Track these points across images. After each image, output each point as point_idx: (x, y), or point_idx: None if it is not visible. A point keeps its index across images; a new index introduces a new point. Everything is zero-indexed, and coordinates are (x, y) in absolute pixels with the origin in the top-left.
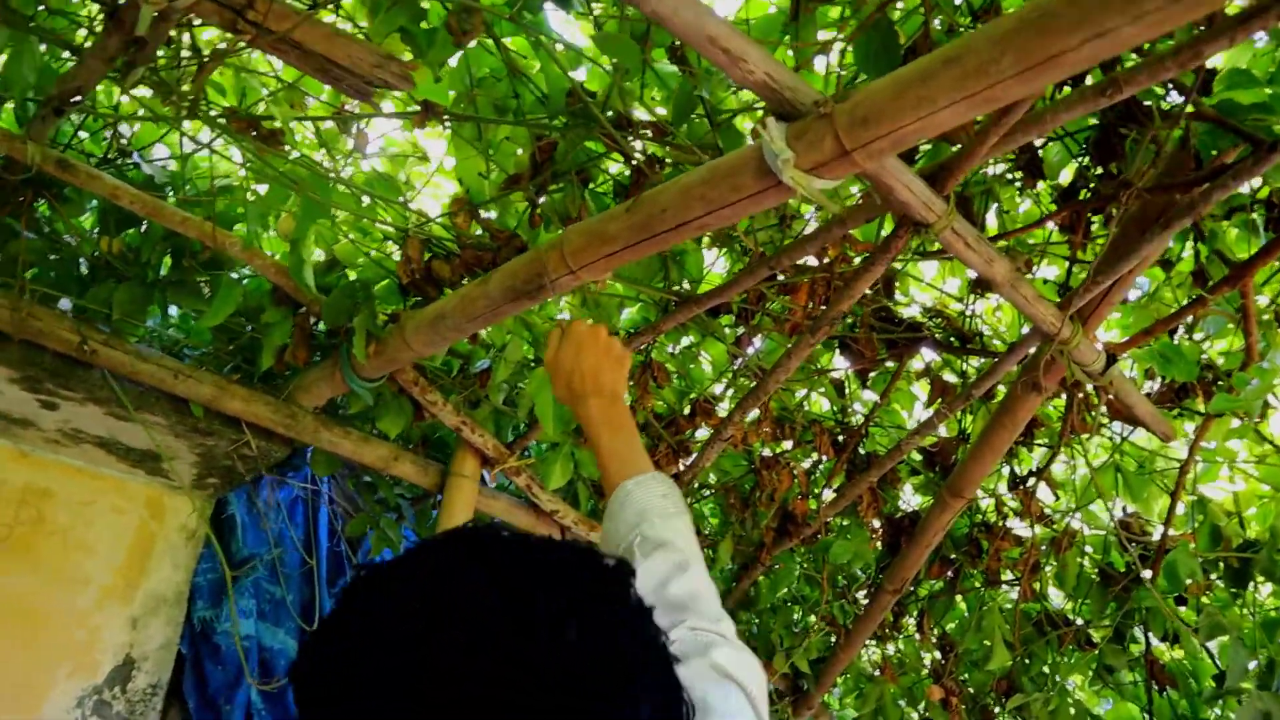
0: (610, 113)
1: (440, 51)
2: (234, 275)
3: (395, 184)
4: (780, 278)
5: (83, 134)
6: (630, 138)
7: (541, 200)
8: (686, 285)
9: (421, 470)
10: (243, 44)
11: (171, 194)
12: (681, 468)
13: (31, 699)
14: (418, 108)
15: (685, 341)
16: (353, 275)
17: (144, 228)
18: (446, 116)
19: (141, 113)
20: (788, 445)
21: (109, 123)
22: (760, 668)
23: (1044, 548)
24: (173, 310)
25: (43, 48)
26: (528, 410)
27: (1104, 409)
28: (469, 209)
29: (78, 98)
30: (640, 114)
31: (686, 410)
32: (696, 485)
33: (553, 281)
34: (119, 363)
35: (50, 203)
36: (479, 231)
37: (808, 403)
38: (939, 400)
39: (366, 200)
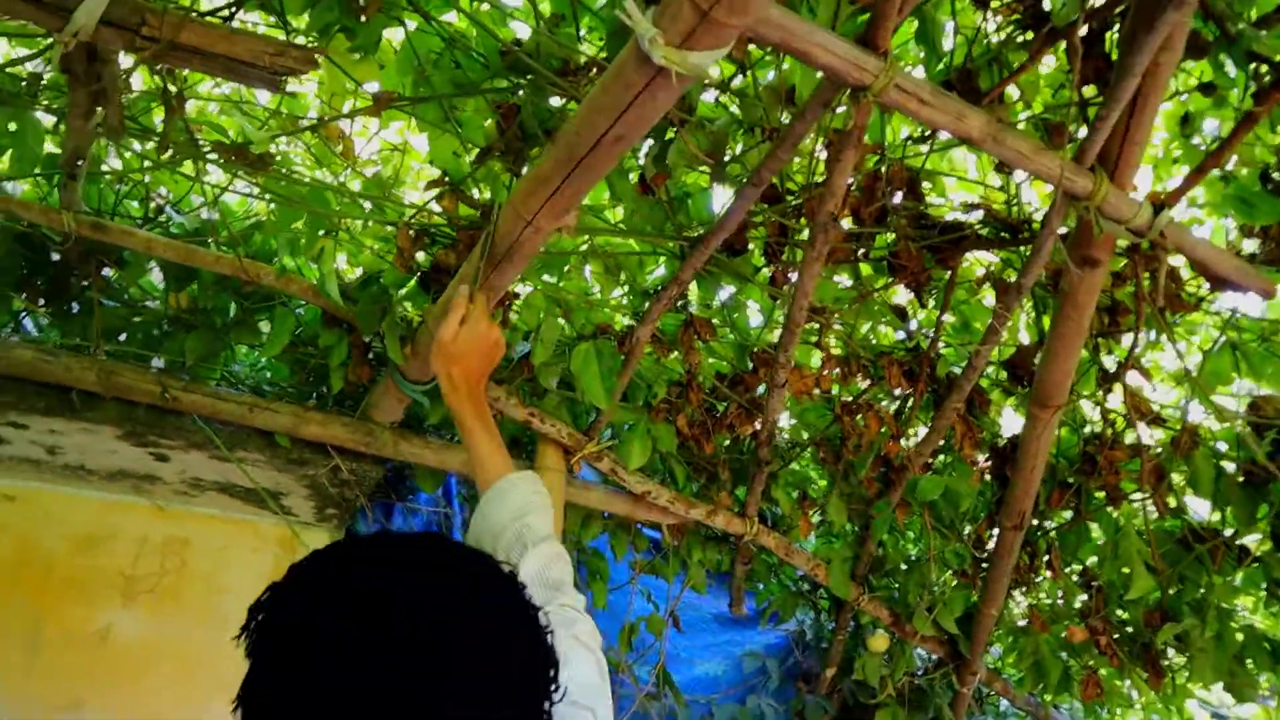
0: (554, 62)
1: (373, 30)
2: (288, 307)
3: (382, 181)
4: (793, 201)
5: (131, 201)
6: (583, 83)
7: (525, 169)
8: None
9: None
10: (145, 61)
11: (213, 242)
12: (758, 426)
13: None
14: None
15: (724, 295)
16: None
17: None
18: (401, 102)
19: (148, 164)
20: (864, 386)
21: (135, 182)
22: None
23: (1162, 452)
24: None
25: (46, 120)
26: (582, 391)
27: (1186, 276)
28: (451, 190)
29: (80, 161)
30: (583, 57)
31: (749, 364)
32: (788, 444)
33: (519, 239)
34: (200, 405)
35: (113, 268)
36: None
37: (874, 336)
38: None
39: (369, 205)
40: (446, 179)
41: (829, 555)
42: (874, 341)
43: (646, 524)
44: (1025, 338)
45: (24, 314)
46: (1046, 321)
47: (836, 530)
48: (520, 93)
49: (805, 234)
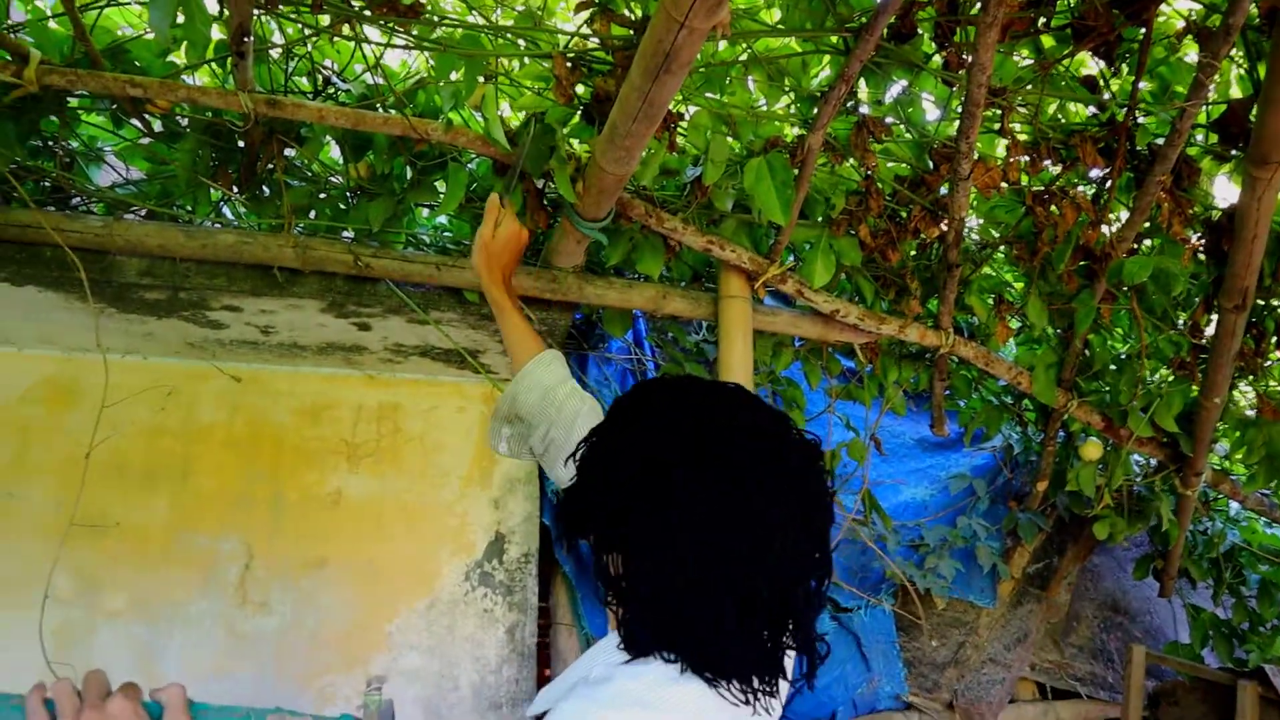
0: None
1: None
2: (460, 162)
3: (532, 13)
4: None
5: (301, 79)
6: None
7: None
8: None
9: (693, 303)
10: None
11: (380, 106)
12: (944, 229)
13: (429, 578)
14: None
15: (895, 90)
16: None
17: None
18: None
19: (308, 32)
20: (1056, 171)
21: (300, 56)
22: None
23: None
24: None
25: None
26: (758, 210)
27: None
28: (601, 10)
29: (246, 37)
30: None
31: (930, 164)
32: (978, 245)
33: (675, 45)
34: (390, 270)
35: (294, 146)
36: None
37: (1063, 114)
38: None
39: (522, 44)
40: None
41: (1032, 361)
42: (1063, 121)
43: (838, 346)
44: (1236, 92)
45: (221, 202)
46: (1262, 69)
47: (1038, 334)
48: None
49: (978, 7)
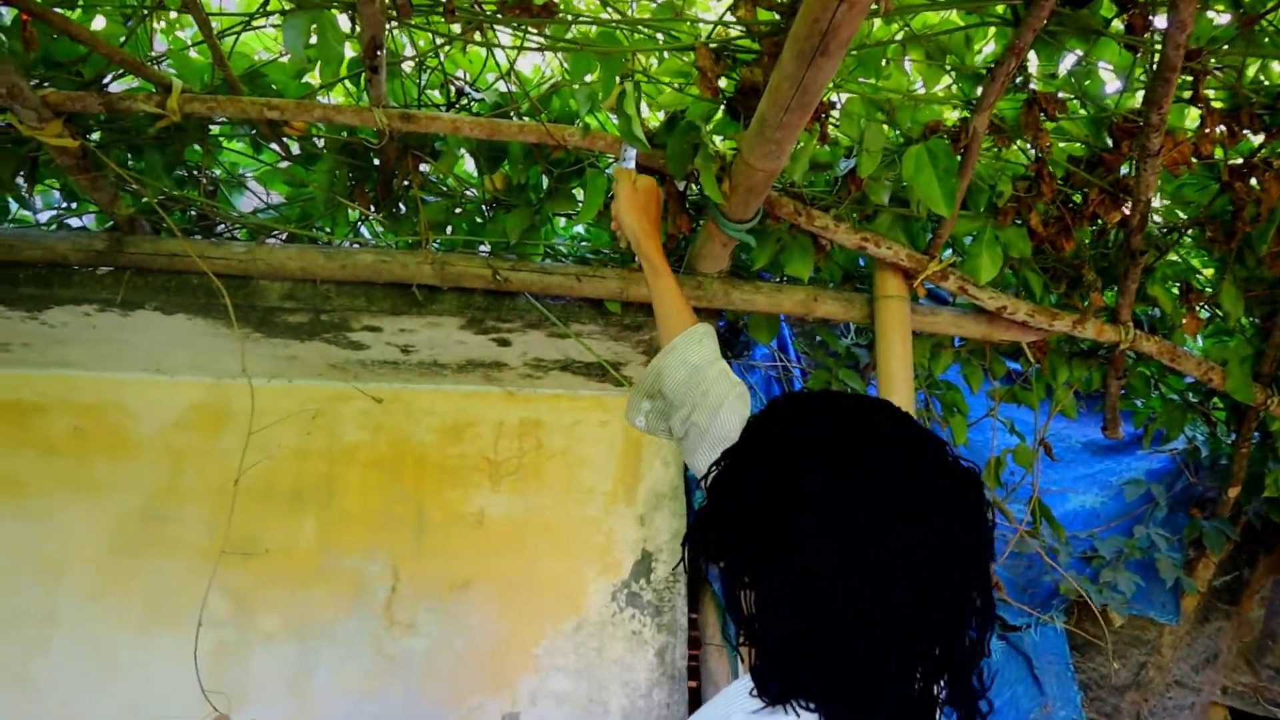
0: None
1: None
2: (598, 168)
3: (672, 4)
4: None
5: (433, 93)
6: None
7: None
8: None
9: (846, 305)
10: None
11: (514, 114)
12: (1126, 213)
13: (575, 599)
14: None
15: (1069, 61)
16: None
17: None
18: None
19: (440, 41)
20: (1258, 142)
21: (432, 67)
22: None
23: None
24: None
25: (342, 19)
26: (920, 201)
27: None
28: None
29: (379, 50)
30: None
31: (1109, 141)
32: (1163, 230)
33: (833, 23)
34: (530, 282)
35: (428, 161)
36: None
37: (1266, 75)
38: None
39: (661, 38)
40: None
41: (1224, 355)
42: (1266, 83)
43: (1003, 346)
44: None
45: (359, 222)
46: None
47: (1231, 324)
48: None
49: None
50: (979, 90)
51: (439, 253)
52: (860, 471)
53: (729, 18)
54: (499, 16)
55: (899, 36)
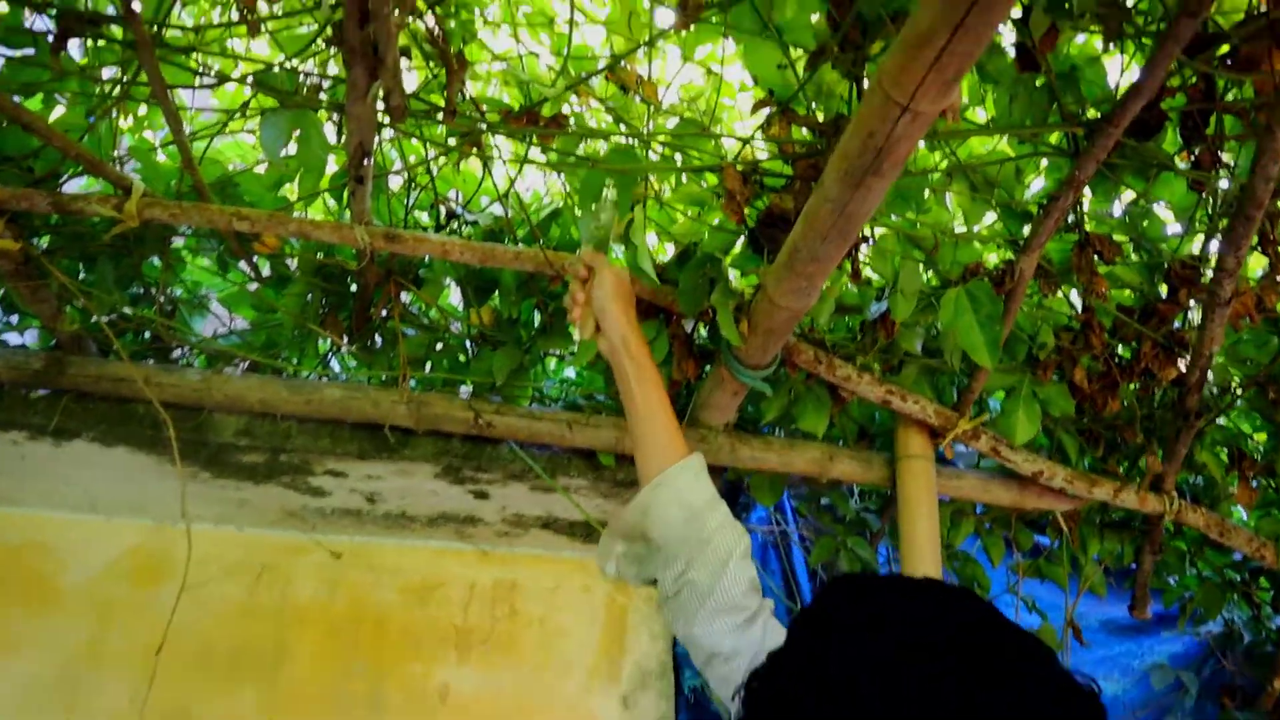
0: None
1: None
2: None
3: (697, 121)
4: (1228, 53)
5: (420, 214)
6: None
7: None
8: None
9: (863, 465)
10: None
11: (509, 238)
12: (1182, 369)
13: None
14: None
15: (1128, 196)
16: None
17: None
18: (710, 10)
19: (434, 154)
20: None
21: (423, 186)
22: None
23: None
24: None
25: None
26: (956, 350)
27: None
28: (779, 110)
29: (366, 159)
30: None
31: (1163, 290)
32: (1215, 390)
33: (889, 137)
34: (515, 428)
35: (411, 290)
36: (804, 134)
37: None
38: None
39: (679, 158)
40: (773, 98)
41: (1277, 530)
42: None
43: (1032, 514)
44: None
45: (330, 354)
46: None
47: None
48: None
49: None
50: (1026, 229)
51: (416, 392)
52: (944, 705)
53: (760, 138)
54: (504, 126)
55: (942, 166)
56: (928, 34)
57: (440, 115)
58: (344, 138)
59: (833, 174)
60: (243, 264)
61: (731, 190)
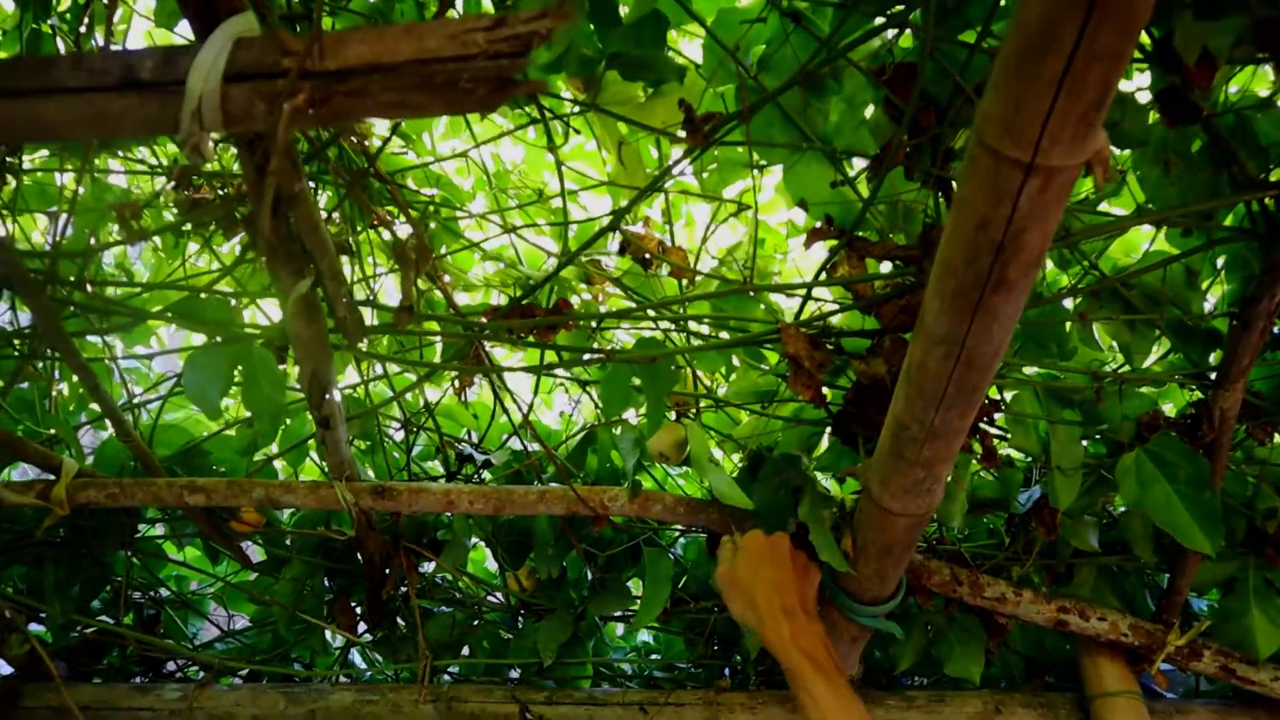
0: None
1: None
2: (660, 545)
3: (734, 274)
4: None
5: (431, 463)
6: None
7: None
8: None
9: (1046, 713)
10: (314, 121)
11: (534, 477)
12: None
13: None
14: (680, 136)
15: None
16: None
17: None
18: (722, 129)
19: (414, 372)
20: None
21: (417, 426)
22: None
23: None
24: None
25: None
26: (1145, 537)
27: None
28: (842, 239)
29: (326, 394)
30: None
31: None
32: None
33: (1011, 222)
34: (574, 718)
35: (429, 557)
36: (884, 269)
37: None
38: None
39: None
40: (833, 228)
41: None
42: None
43: None
44: None
45: (349, 648)
46: None
47: None
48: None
49: None
50: (1214, 355)
51: (447, 685)
52: None
53: (819, 288)
54: (493, 327)
55: (1082, 284)
56: (1044, 34)
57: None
58: (298, 371)
59: (935, 304)
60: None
61: (796, 357)
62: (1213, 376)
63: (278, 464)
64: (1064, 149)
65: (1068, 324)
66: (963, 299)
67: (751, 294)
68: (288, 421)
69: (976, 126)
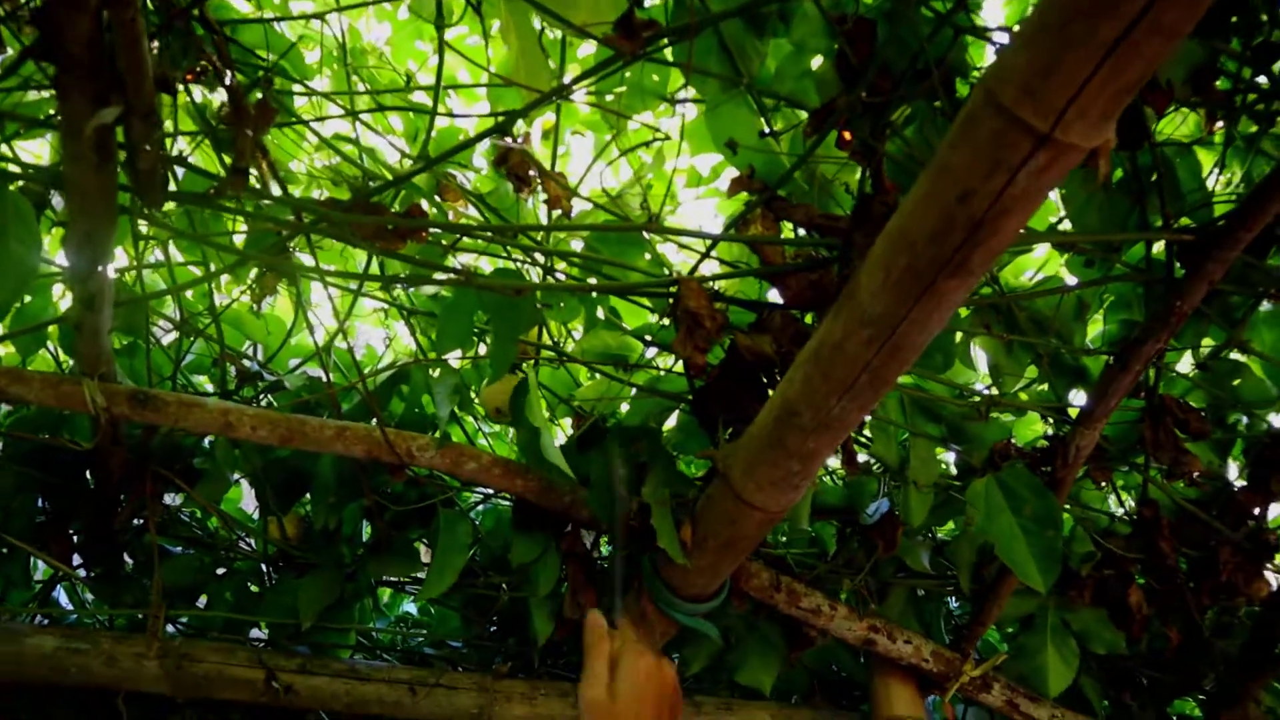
0: None
1: None
2: (458, 508)
3: (628, 206)
4: None
5: (198, 377)
6: None
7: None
8: None
9: None
10: None
11: (329, 412)
12: (1275, 585)
13: None
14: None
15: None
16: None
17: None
18: (662, 40)
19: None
20: None
21: (197, 331)
22: None
23: None
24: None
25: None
26: (970, 565)
27: None
28: (762, 193)
29: (99, 266)
30: None
31: (1238, 473)
32: None
33: (1002, 194)
34: (328, 695)
35: (181, 487)
36: (800, 236)
37: None
38: None
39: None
40: (757, 181)
41: None
42: None
43: None
44: None
45: (56, 583)
46: None
47: None
48: None
49: None
50: (1076, 393)
51: (178, 639)
52: None
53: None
54: (325, 225)
55: (985, 291)
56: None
57: (219, 191)
58: (65, 232)
59: (875, 279)
60: None
61: (697, 313)
62: (1073, 414)
63: None
64: (1086, 126)
65: (958, 335)
66: (912, 278)
67: (645, 236)
68: (27, 298)
69: (988, 81)
